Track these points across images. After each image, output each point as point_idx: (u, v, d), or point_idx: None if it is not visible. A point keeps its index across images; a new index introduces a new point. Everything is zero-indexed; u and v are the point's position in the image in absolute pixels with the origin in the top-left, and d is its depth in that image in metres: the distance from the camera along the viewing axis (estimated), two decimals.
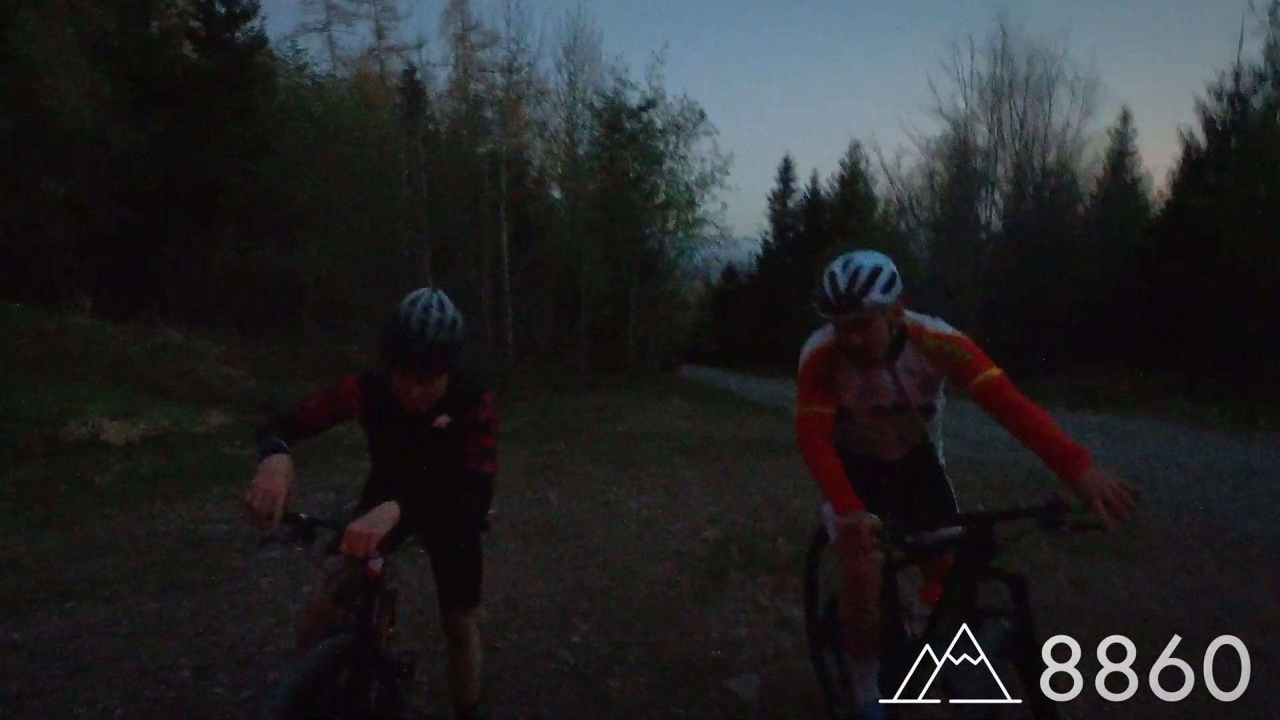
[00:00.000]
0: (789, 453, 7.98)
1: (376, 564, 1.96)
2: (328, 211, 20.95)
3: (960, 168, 28.09)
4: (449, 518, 2.08)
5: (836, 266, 2.15)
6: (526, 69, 25.08)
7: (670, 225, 27.11)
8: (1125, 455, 8.57)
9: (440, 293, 2.17)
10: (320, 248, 20.94)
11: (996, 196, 28.45)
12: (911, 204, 31.56)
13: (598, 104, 26.16)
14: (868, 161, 39.94)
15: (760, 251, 49.01)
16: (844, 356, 2.27)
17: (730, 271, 54.16)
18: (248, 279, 18.75)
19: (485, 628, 3.68)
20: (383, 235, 21.20)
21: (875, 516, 2.01)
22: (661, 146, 26.17)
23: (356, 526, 1.83)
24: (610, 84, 26.19)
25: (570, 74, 26.20)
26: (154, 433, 9.58)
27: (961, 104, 28.50)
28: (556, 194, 28.63)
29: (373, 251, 21.01)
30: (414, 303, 2.10)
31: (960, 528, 2.17)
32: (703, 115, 26.19)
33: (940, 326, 2.27)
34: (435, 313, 2.07)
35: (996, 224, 28.65)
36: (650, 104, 25.74)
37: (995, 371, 2.14)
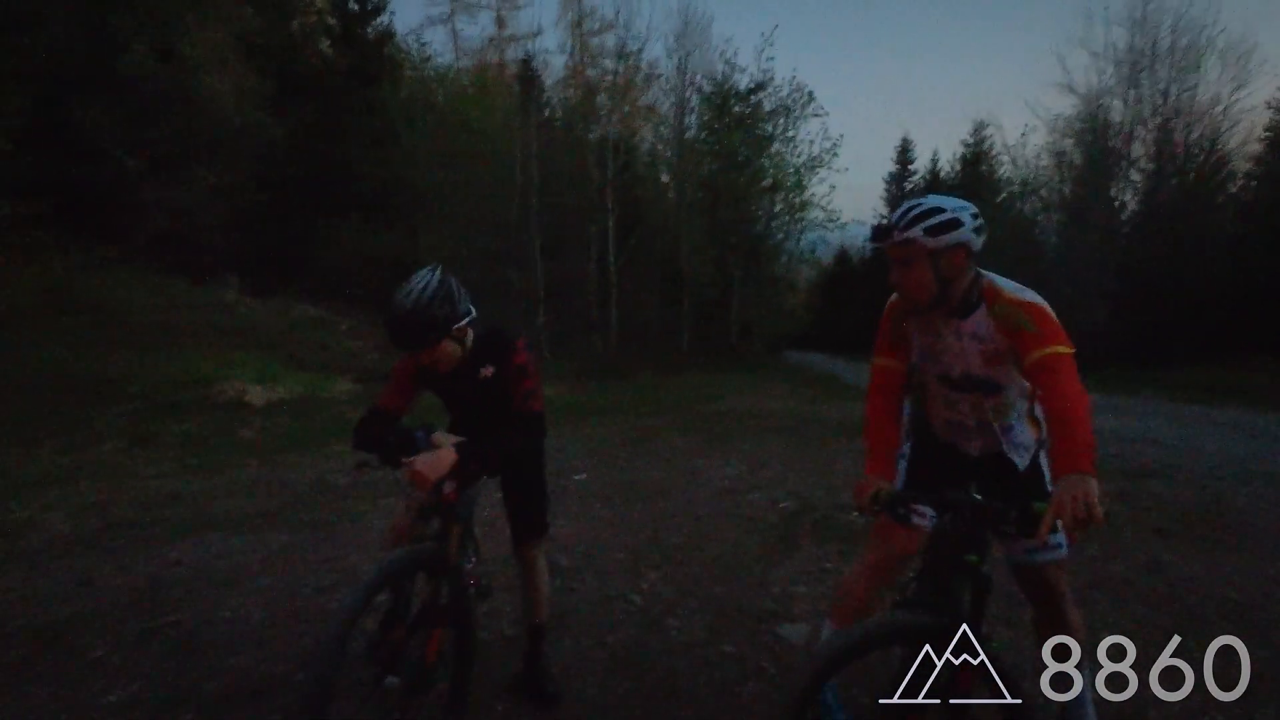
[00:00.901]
0: None
1: (451, 488, 2.30)
2: (447, 197, 22.03)
3: (1094, 146, 26.28)
4: (507, 455, 2.36)
5: (909, 200, 2.04)
6: (636, 54, 25.45)
7: (776, 208, 26.93)
8: (1236, 448, 8.02)
9: (436, 270, 2.36)
10: (439, 231, 22.06)
11: (1134, 176, 26.50)
12: (1039, 185, 29.83)
13: (707, 88, 26.21)
14: (991, 142, 37.98)
15: None
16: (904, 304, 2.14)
17: (843, 255, 53.04)
18: (375, 260, 20.04)
19: (565, 573, 4.08)
20: (497, 220, 22.09)
21: (888, 485, 2.02)
22: (770, 129, 26.00)
23: (419, 466, 2.15)
24: (719, 68, 26.22)
25: (680, 59, 26.33)
26: (290, 396, 10.66)
27: (1095, 78, 26.67)
28: (664, 177, 28.90)
29: (487, 235, 21.92)
30: (405, 282, 2.32)
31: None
32: (811, 97, 25.90)
33: (1023, 294, 2.00)
34: (414, 291, 2.27)
35: (1134, 206, 26.70)
36: (759, 87, 25.62)
37: (1060, 349, 1.87)
